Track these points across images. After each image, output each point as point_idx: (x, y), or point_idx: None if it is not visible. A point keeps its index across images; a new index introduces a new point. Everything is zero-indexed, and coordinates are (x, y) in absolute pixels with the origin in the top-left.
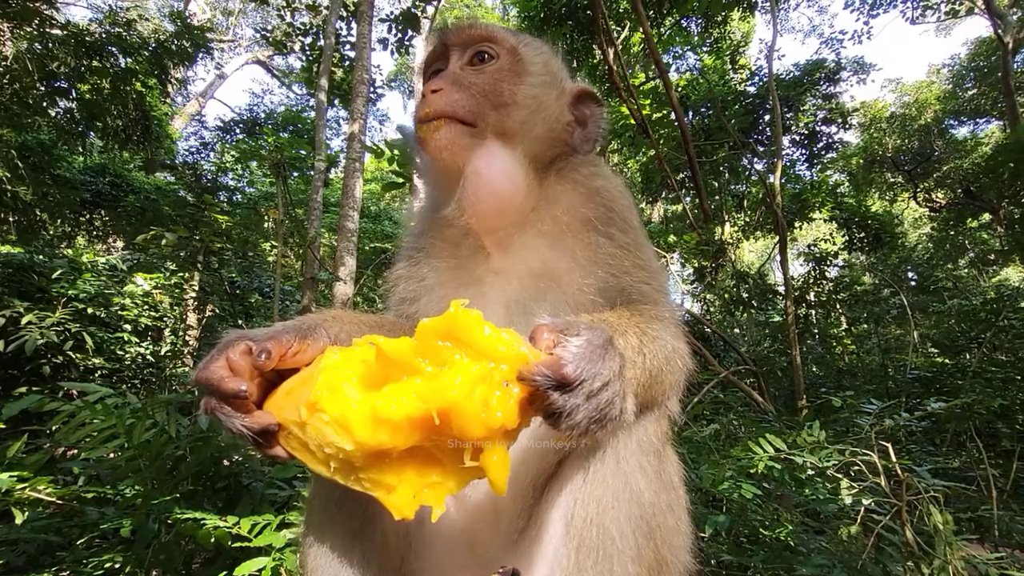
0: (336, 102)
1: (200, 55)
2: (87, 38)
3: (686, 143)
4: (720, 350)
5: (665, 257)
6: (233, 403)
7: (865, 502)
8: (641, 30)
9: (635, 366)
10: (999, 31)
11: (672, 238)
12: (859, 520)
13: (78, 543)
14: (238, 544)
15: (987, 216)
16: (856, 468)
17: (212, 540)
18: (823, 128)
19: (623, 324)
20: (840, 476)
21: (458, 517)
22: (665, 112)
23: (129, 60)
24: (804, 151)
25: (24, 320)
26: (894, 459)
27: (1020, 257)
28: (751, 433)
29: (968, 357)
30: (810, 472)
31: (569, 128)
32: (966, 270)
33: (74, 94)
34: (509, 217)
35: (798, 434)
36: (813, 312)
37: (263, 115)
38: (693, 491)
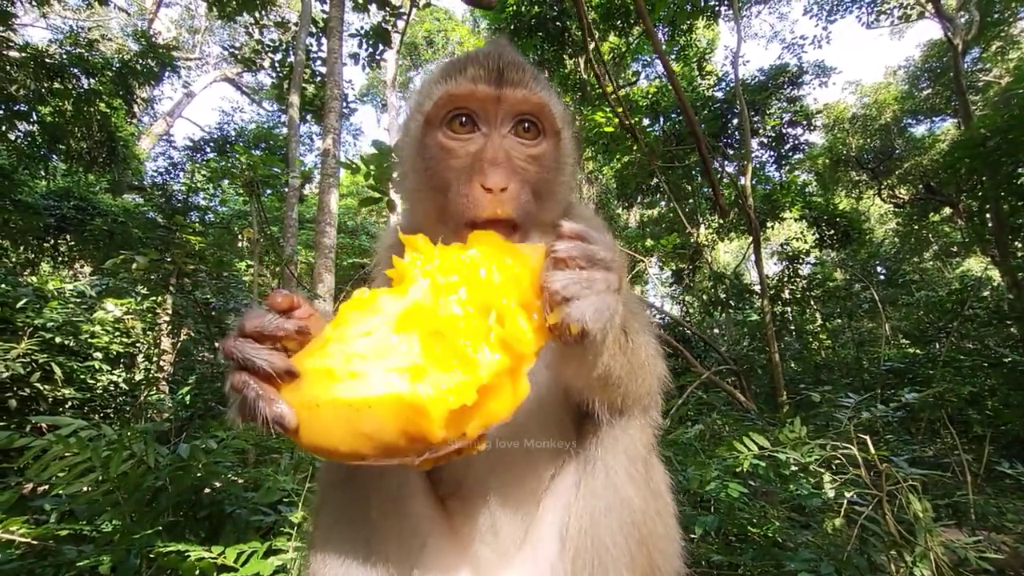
0: (308, 118)
1: (166, 74)
2: (47, 59)
3: (697, 138)
4: (701, 351)
5: (643, 261)
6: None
7: (847, 494)
8: (611, 38)
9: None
10: (948, 34)
11: (649, 242)
12: (843, 512)
13: None
14: (224, 575)
15: (948, 210)
16: (837, 462)
17: (196, 572)
18: (789, 130)
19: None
20: (822, 470)
21: (461, 534)
22: (637, 119)
23: (92, 81)
24: (772, 153)
25: None
26: (872, 451)
27: (980, 248)
28: (735, 432)
29: (938, 347)
30: (793, 468)
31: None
32: (931, 262)
33: (35, 117)
34: None
35: (780, 431)
36: (789, 309)
37: (234, 133)
38: (681, 493)
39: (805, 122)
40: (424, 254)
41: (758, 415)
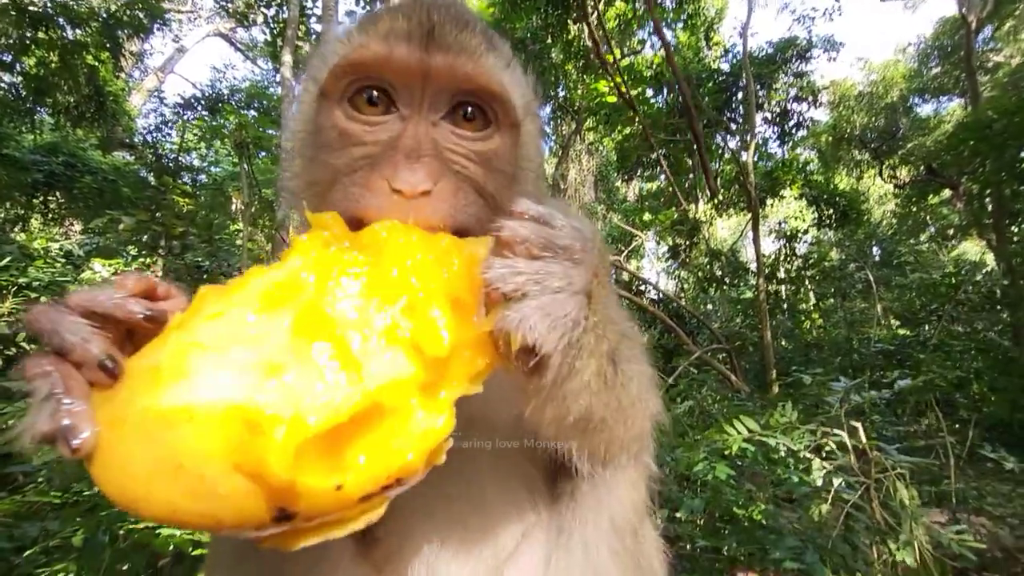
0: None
1: (156, 26)
2: (30, 7)
3: (690, 115)
4: (694, 327)
5: (640, 235)
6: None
7: (836, 481)
8: (617, 4)
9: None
10: (963, 10)
11: (647, 216)
12: (830, 499)
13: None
14: (199, 552)
15: (947, 192)
16: (828, 448)
17: (171, 548)
18: (794, 106)
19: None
20: (811, 456)
21: None
22: (640, 90)
23: (78, 32)
24: (776, 129)
25: None
26: (863, 438)
27: (977, 232)
28: (725, 411)
29: (928, 328)
30: (782, 453)
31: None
32: (927, 245)
33: (19, 68)
34: None
35: (771, 415)
36: (783, 288)
37: (226, 91)
38: (667, 474)
39: (811, 98)
40: (333, 234)
41: (748, 396)
